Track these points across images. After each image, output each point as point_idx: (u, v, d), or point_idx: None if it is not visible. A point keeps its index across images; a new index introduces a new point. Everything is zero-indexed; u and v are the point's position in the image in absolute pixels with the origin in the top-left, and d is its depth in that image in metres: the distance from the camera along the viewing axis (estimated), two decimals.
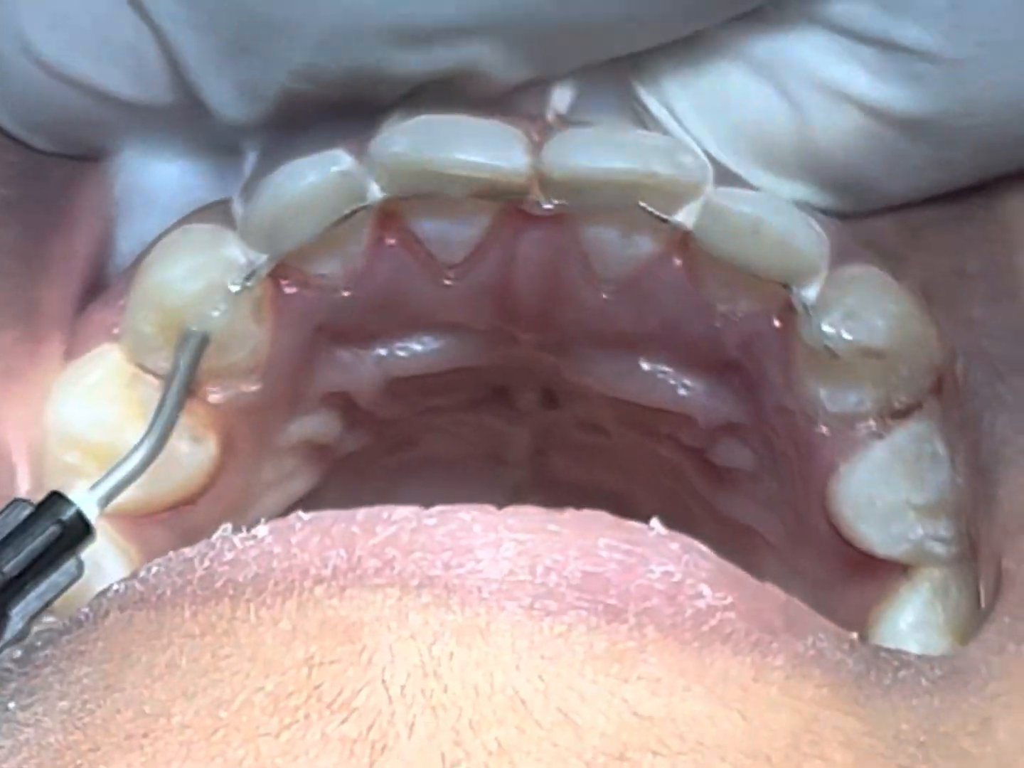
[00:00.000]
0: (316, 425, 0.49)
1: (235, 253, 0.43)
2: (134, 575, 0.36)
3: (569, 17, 0.41)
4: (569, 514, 0.35)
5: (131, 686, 0.34)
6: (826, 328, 0.43)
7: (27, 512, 0.39)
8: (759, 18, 0.42)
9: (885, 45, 0.42)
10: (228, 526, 0.36)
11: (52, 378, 0.44)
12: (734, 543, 0.46)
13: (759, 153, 0.44)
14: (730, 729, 0.33)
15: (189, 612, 0.34)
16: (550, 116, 0.44)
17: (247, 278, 0.43)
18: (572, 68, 0.44)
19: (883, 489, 0.44)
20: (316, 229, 0.43)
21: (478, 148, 0.43)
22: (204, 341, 0.43)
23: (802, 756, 0.33)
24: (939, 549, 0.44)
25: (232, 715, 0.32)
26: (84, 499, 0.40)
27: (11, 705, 0.34)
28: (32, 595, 0.39)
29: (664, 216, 0.43)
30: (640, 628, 0.34)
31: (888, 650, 0.36)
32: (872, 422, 0.44)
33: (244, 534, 0.35)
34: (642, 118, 0.44)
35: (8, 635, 0.38)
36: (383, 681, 0.32)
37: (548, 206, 0.43)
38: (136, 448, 0.41)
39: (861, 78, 0.42)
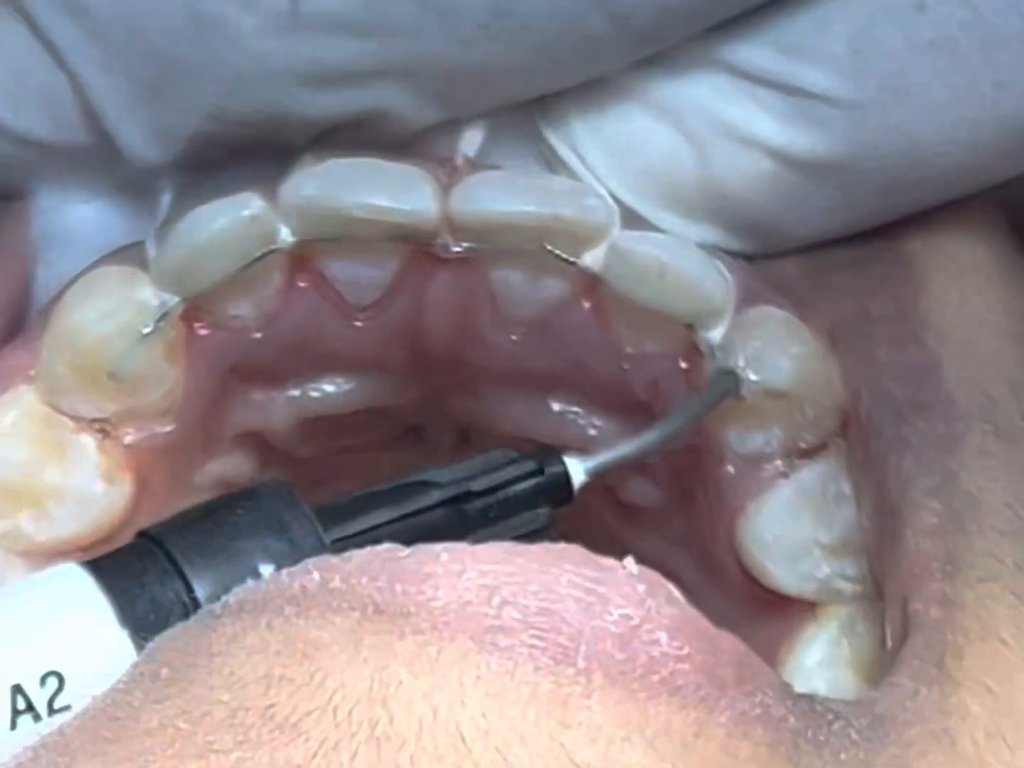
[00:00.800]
0: (231, 464, 0.49)
1: (147, 295, 0.44)
2: None
3: (475, 62, 0.41)
4: (541, 547, 0.35)
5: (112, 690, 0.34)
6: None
7: (512, 456, 0.41)
8: (662, 62, 0.43)
9: (787, 89, 0.42)
10: None
11: None
12: None
13: (665, 196, 0.44)
14: None
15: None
16: (459, 159, 0.45)
17: (159, 320, 0.44)
18: (480, 111, 0.44)
19: (790, 528, 0.44)
20: (227, 272, 0.43)
21: (387, 192, 0.43)
22: (735, 382, 0.43)
23: None
24: (845, 587, 0.44)
25: (191, 725, 0.32)
26: (574, 464, 0.42)
27: None
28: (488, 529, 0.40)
29: (571, 259, 0.44)
30: (588, 673, 0.33)
31: (822, 701, 0.36)
32: (778, 462, 0.44)
33: None
34: (550, 161, 0.45)
35: None
36: (333, 706, 0.32)
37: (457, 249, 0.44)
38: (643, 434, 0.42)
39: (764, 121, 0.42)
